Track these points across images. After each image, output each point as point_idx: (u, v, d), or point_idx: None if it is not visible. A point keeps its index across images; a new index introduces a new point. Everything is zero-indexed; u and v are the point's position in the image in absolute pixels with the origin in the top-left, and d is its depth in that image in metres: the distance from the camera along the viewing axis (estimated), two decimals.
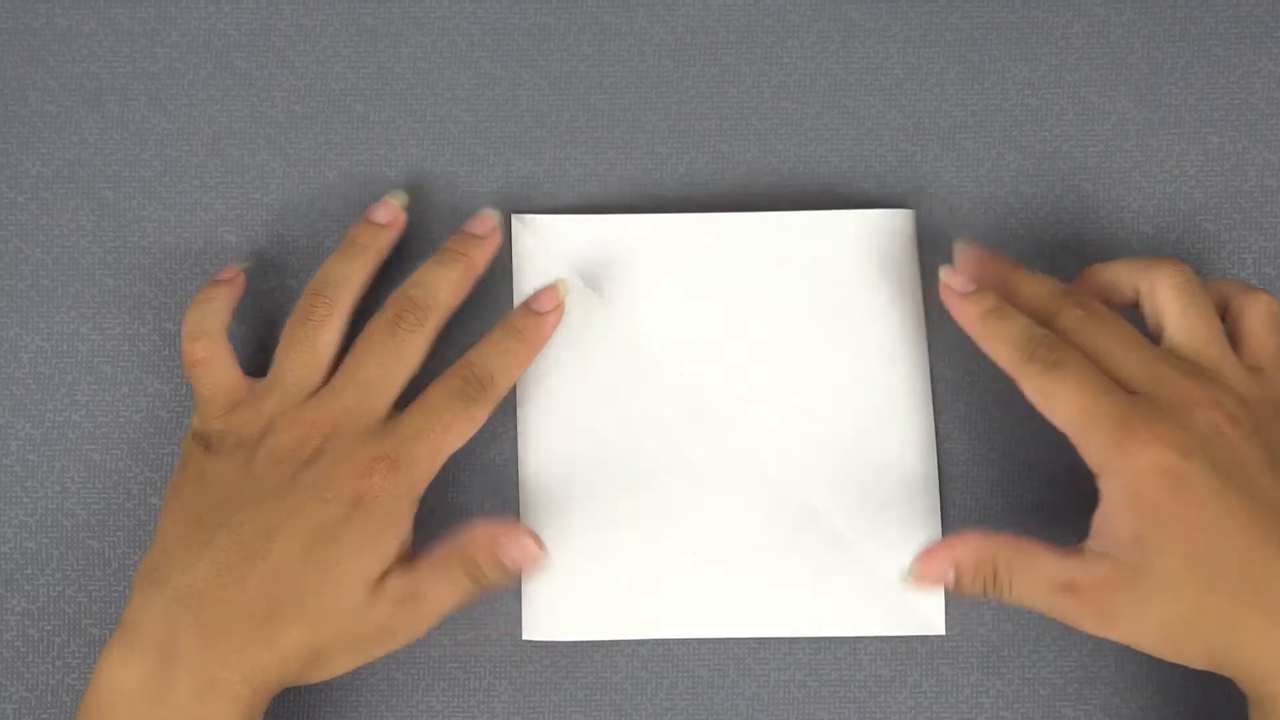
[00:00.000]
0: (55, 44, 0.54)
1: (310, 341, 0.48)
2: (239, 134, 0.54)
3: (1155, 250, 0.53)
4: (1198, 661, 0.44)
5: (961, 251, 0.49)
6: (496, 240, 0.51)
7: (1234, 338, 0.47)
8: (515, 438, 0.52)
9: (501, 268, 0.53)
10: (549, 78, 0.54)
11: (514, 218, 0.53)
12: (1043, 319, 0.47)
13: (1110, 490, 0.44)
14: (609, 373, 0.52)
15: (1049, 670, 0.52)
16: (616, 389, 0.52)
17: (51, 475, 0.53)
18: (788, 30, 0.54)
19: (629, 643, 0.52)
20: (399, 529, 0.46)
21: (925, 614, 0.51)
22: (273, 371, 0.48)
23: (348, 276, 0.49)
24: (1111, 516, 0.44)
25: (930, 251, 0.53)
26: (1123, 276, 0.48)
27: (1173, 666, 0.52)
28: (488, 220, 0.51)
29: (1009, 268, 0.48)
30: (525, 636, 0.51)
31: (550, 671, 0.52)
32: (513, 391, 0.52)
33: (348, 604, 0.45)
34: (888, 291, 0.52)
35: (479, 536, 0.47)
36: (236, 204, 0.54)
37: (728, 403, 0.52)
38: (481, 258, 0.50)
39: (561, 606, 0.51)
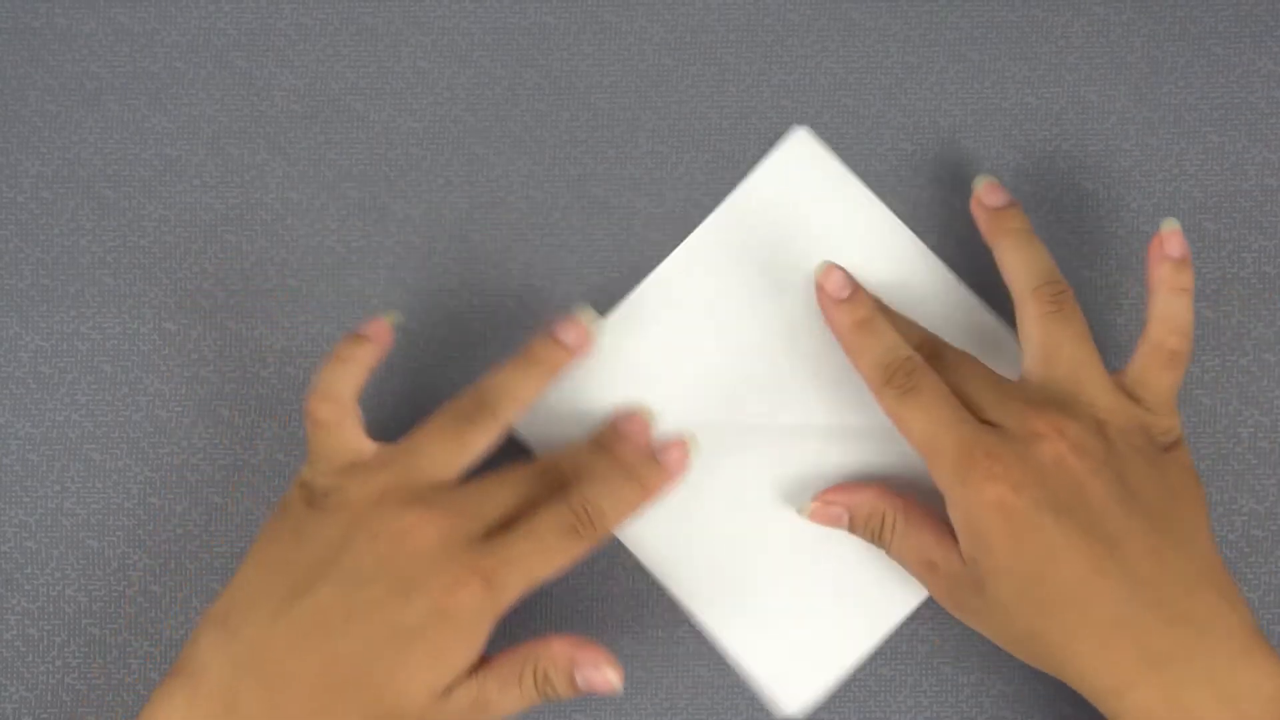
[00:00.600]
0: (55, 43, 0.54)
1: (460, 441, 0.47)
2: (239, 133, 0.54)
3: None
4: (1043, 669, 0.45)
5: (828, 273, 0.49)
6: (587, 348, 0.49)
7: (1132, 364, 0.48)
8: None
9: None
10: (549, 77, 0.54)
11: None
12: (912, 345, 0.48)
13: (953, 516, 0.45)
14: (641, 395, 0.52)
15: None
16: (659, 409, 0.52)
17: (51, 475, 0.53)
18: (787, 29, 0.54)
19: (629, 642, 0.52)
20: (475, 646, 0.45)
21: None
22: (406, 447, 0.47)
23: (516, 392, 0.48)
24: (959, 533, 0.45)
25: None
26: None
27: None
28: (579, 327, 0.49)
29: (868, 312, 0.48)
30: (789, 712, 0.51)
31: None
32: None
33: (409, 708, 0.44)
34: (845, 213, 0.52)
35: (557, 654, 0.46)
36: (236, 203, 0.54)
37: (755, 404, 0.52)
38: (566, 363, 0.49)
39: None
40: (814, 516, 0.50)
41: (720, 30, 0.54)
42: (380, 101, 0.54)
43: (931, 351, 0.48)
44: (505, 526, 0.46)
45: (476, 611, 0.44)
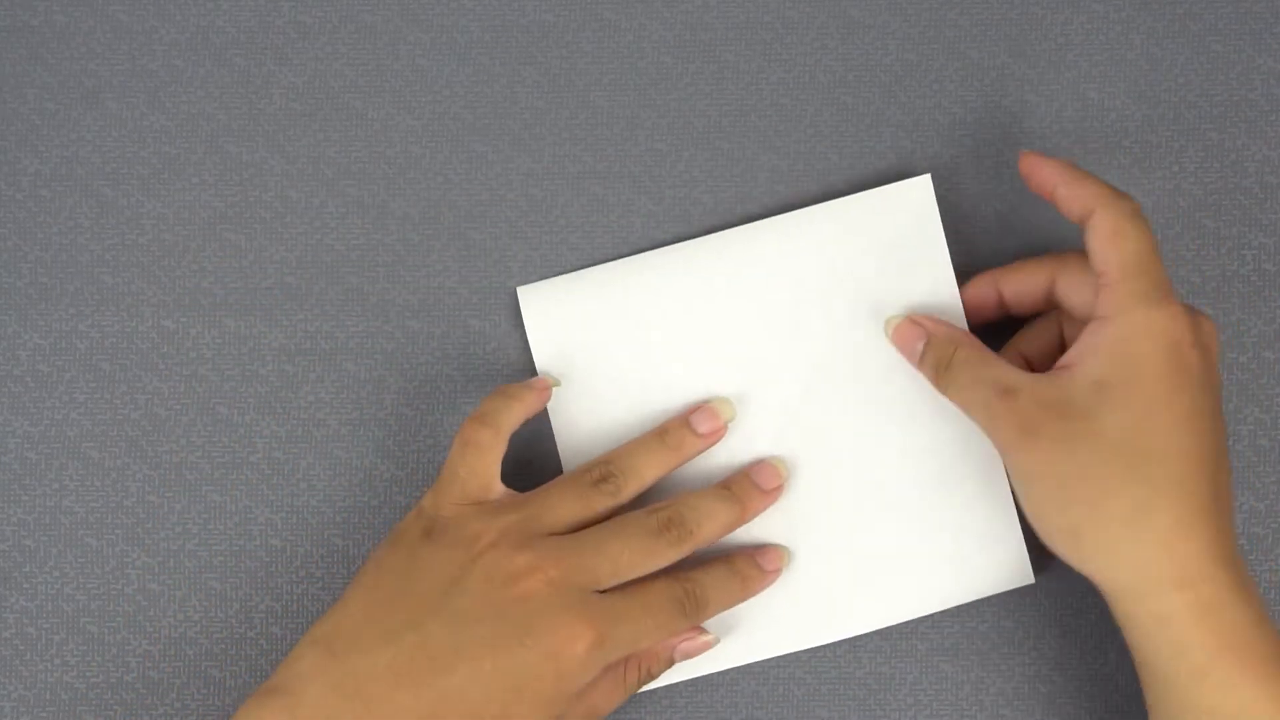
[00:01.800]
0: (54, 41, 0.54)
1: (585, 504, 0.48)
2: (238, 131, 0.54)
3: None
4: (1060, 541, 0.45)
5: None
6: (720, 436, 0.51)
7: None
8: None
9: (518, 340, 0.53)
10: (548, 75, 0.54)
11: (519, 291, 0.52)
12: None
13: (1103, 334, 0.45)
14: (659, 402, 0.52)
15: (1049, 669, 0.52)
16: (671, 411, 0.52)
17: (50, 473, 0.53)
18: (787, 27, 0.54)
19: None
20: (569, 699, 0.46)
21: (1011, 567, 0.51)
22: (533, 497, 0.48)
23: (643, 472, 0.49)
24: (1088, 355, 0.45)
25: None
26: (1037, 272, 0.49)
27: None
28: (716, 419, 0.51)
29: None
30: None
31: None
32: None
33: None
34: (918, 267, 0.52)
35: (659, 650, 0.48)
36: (235, 201, 0.54)
37: (779, 410, 0.51)
38: (696, 451, 0.50)
39: None
40: (896, 332, 0.50)
41: (720, 28, 0.54)
42: (379, 99, 0.54)
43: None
44: (618, 587, 0.47)
45: (585, 663, 0.45)
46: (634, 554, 0.47)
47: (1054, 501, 0.45)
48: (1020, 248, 0.53)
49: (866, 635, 0.51)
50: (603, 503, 0.48)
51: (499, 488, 0.48)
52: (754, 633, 0.51)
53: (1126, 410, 0.44)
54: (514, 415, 0.49)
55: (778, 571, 0.50)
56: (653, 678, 0.49)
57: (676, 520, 0.48)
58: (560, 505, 0.47)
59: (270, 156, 0.54)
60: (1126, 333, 0.44)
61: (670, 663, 0.49)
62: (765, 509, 0.51)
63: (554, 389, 0.51)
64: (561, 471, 0.52)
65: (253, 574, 0.52)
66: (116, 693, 0.52)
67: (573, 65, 0.54)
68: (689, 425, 0.50)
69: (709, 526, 0.49)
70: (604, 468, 0.48)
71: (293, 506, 0.53)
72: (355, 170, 0.54)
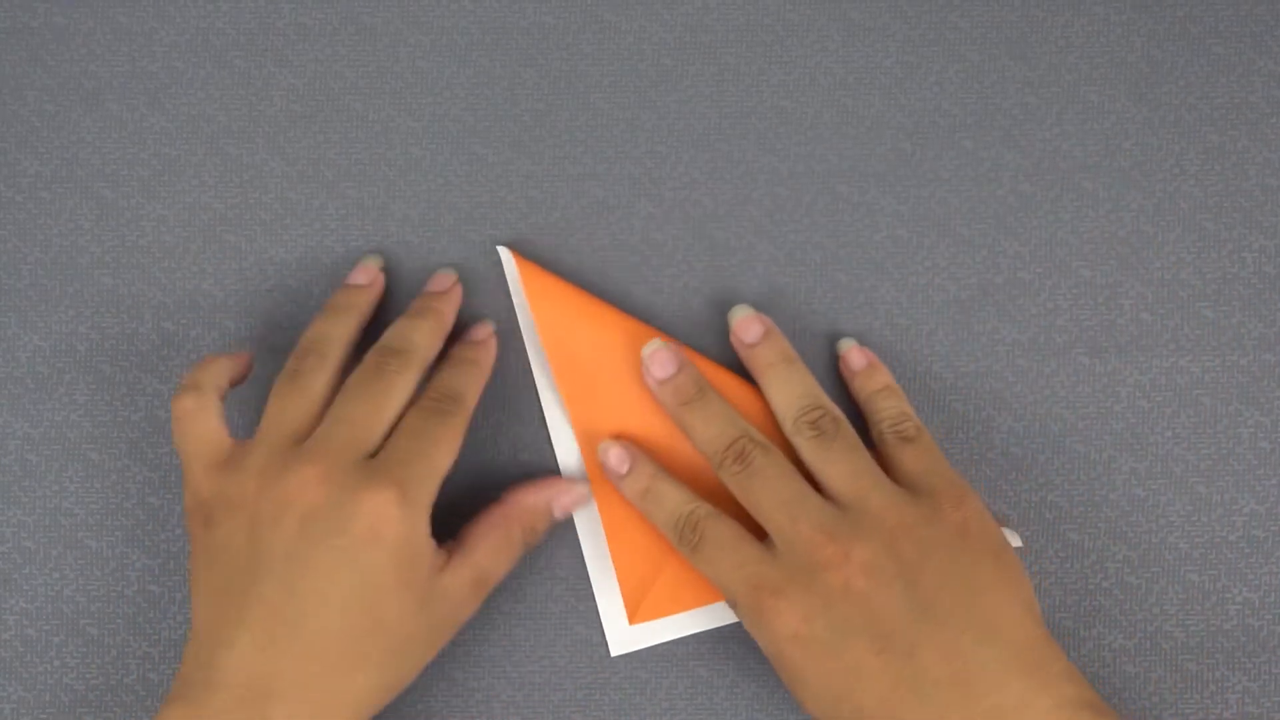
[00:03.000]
0: (54, 43, 0.54)
1: (301, 389, 0.48)
2: (238, 133, 0.54)
3: (1156, 246, 0.53)
4: None
5: (653, 354, 0.50)
6: (458, 293, 0.52)
7: (888, 464, 0.49)
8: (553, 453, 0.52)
9: (517, 341, 0.53)
10: (548, 77, 0.54)
11: (500, 249, 0.53)
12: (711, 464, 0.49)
13: (765, 653, 0.47)
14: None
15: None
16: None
17: (50, 475, 0.53)
18: (787, 29, 0.54)
19: None
20: (422, 552, 0.46)
21: None
22: (261, 427, 0.48)
23: (331, 334, 0.49)
24: (776, 670, 0.47)
25: (926, 259, 0.53)
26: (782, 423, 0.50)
27: (1171, 669, 0.52)
28: (446, 279, 0.52)
29: (695, 392, 0.50)
30: (614, 654, 0.52)
31: (550, 672, 0.52)
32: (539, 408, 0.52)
33: (410, 628, 0.45)
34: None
35: (537, 507, 0.50)
36: (235, 203, 0.54)
37: None
38: (449, 310, 0.51)
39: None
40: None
41: (720, 30, 0.54)
42: (379, 101, 0.54)
43: (739, 454, 0.48)
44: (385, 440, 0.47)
45: (404, 518, 0.45)
46: (372, 403, 0.47)
47: None
48: (1021, 250, 0.53)
49: None
50: (315, 380, 0.48)
51: (229, 442, 0.48)
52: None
53: (813, 699, 0.46)
54: (212, 375, 0.49)
55: (491, 334, 0.52)
56: (539, 534, 0.50)
57: (385, 352, 0.48)
58: (285, 412, 0.47)
59: (270, 158, 0.54)
60: (764, 646, 0.47)
61: (550, 516, 0.50)
62: (453, 309, 0.51)
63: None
64: (556, 461, 0.52)
65: None
66: (116, 694, 0.52)
67: (573, 67, 0.54)
68: (345, 284, 0.51)
69: (415, 337, 0.49)
70: (298, 355, 0.49)
71: None
72: (355, 172, 0.54)
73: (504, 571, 0.49)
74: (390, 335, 0.49)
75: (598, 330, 0.51)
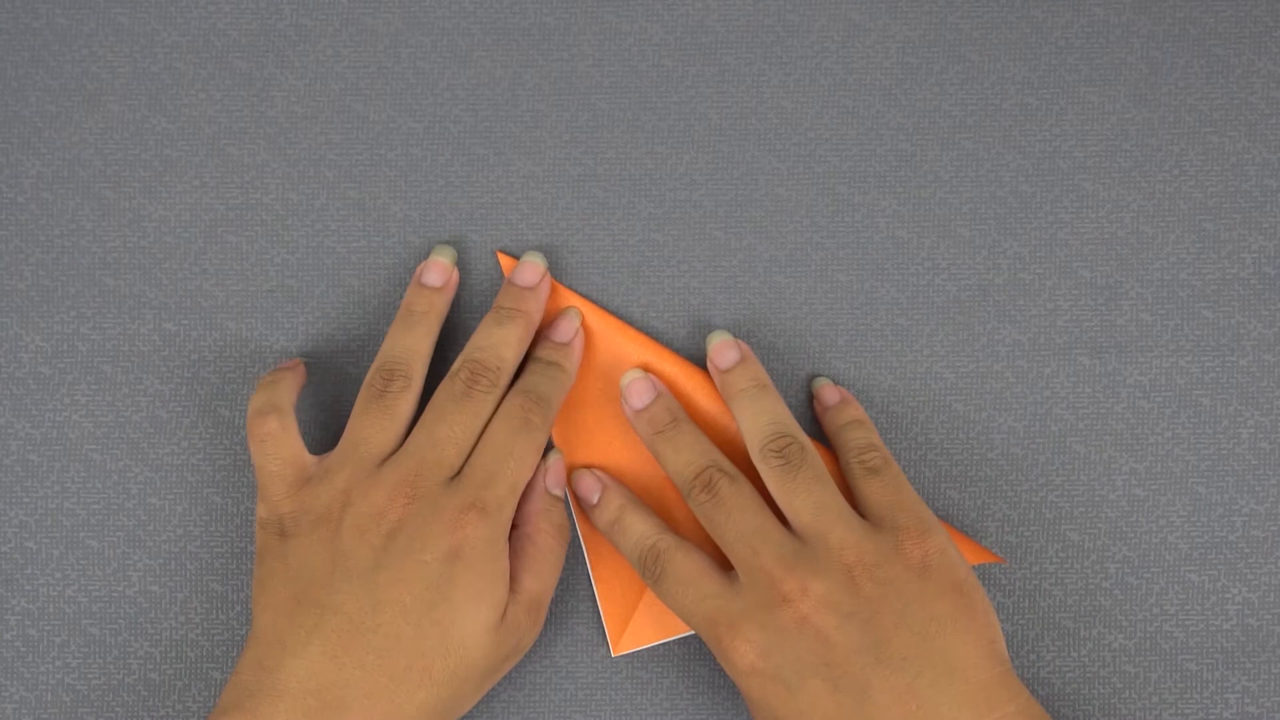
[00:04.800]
0: (56, 44, 0.54)
1: (388, 411, 0.48)
2: (239, 134, 0.54)
3: (1156, 246, 0.53)
4: None
5: (631, 384, 0.51)
6: (547, 285, 0.51)
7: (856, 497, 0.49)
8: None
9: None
10: (549, 77, 0.54)
11: (499, 255, 0.53)
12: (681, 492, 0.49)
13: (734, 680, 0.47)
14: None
15: (1048, 670, 0.52)
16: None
17: (51, 475, 0.53)
18: (787, 30, 0.54)
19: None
20: (501, 570, 0.47)
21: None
22: (345, 444, 0.48)
23: (415, 348, 0.49)
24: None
25: (926, 259, 0.53)
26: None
27: (1171, 669, 0.52)
28: (535, 269, 0.51)
29: (668, 421, 0.50)
30: (615, 654, 0.52)
31: (550, 672, 0.52)
32: None
33: (478, 654, 0.46)
34: None
35: (532, 507, 0.49)
36: (236, 204, 0.54)
37: None
38: (538, 309, 0.51)
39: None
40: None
41: (720, 30, 0.54)
42: (380, 102, 0.54)
43: (707, 483, 0.48)
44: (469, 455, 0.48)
45: (487, 539, 0.46)
46: (460, 426, 0.48)
47: None
48: (1021, 250, 0.53)
49: None
50: (402, 401, 0.48)
51: (311, 459, 0.48)
52: None
53: None
54: (286, 393, 0.49)
55: (577, 332, 0.51)
56: (563, 527, 0.50)
57: (477, 369, 0.48)
58: (369, 429, 0.48)
59: (271, 159, 0.54)
60: (730, 675, 0.47)
61: (558, 502, 0.50)
62: (542, 306, 0.51)
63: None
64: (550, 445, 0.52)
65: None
66: (118, 694, 0.52)
67: (573, 68, 0.54)
68: (420, 284, 0.51)
69: (506, 352, 0.49)
70: (380, 372, 0.49)
71: None
72: (356, 173, 0.54)
73: (551, 586, 0.49)
74: (480, 348, 0.49)
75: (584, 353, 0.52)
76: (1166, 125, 0.54)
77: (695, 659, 0.52)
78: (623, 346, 0.52)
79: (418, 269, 0.51)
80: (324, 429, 0.53)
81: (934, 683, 0.44)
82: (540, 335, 0.52)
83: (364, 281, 0.53)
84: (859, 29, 0.54)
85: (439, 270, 0.51)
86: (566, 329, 0.51)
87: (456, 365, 0.49)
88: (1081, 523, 0.52)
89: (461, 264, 0.53)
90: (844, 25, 0.54)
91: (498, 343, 0.49)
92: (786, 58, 0.54)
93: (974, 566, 0.51)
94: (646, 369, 0.52)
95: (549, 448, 0.52)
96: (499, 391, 0.49)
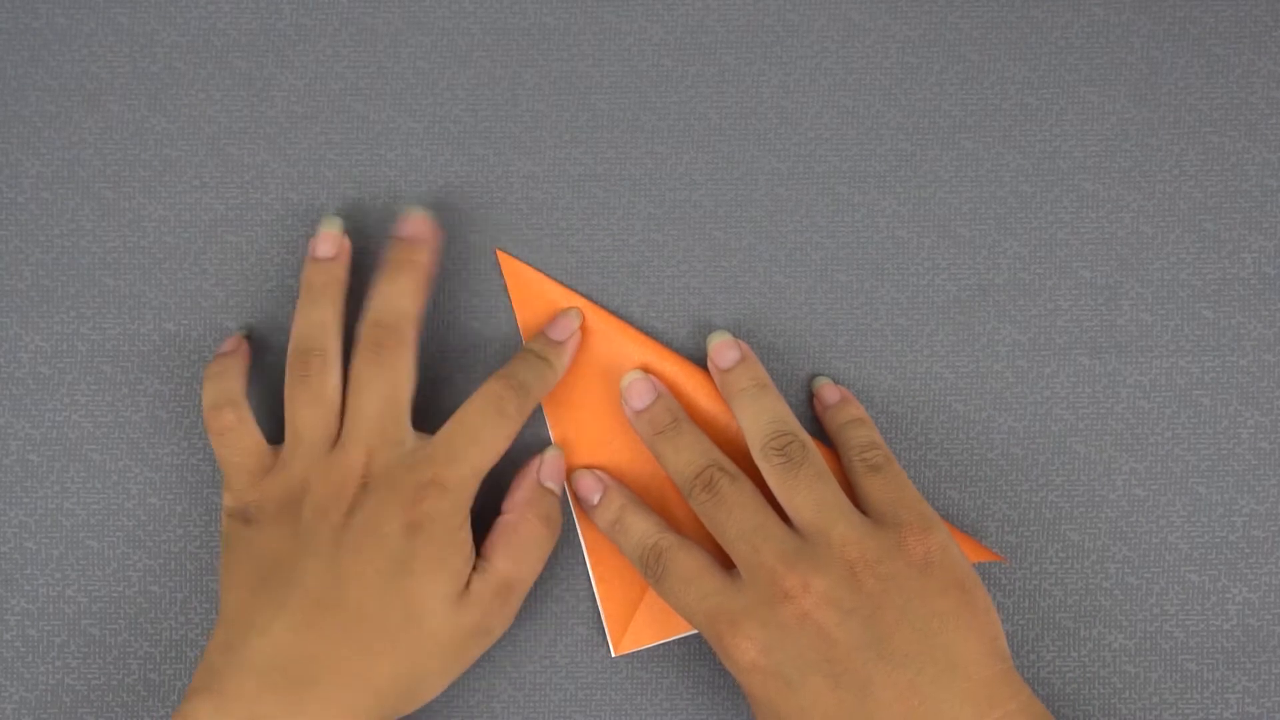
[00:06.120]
0: (55, 44, 0.54)
1: (316, 394, 0.48)
2: (239, 134, 0.54)
3: (1156, 246, 0.53)
4: None
5: (631, 385, 0.51)
6: (436, 237, 0.51)
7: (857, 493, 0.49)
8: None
9: (516, 343, 0.53)
10: (549, 77, 0.54)
11: (498, 254, 0.53)
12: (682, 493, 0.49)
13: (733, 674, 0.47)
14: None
15: (1048, 670, 0.52)
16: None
17: (51, 475, 0.53)
18: (787, 30, 0.54)
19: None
20: (463, 543, 0.47)
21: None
22: (290, 435, 0.48)
23: (323, 322, 0.49)
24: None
25: (926, 259, 0.53)
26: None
27: (1171, 669, 0.52)
28: (420, 221, 0.51)
29: (668, 421, 0.50)
30: (616, 654, 0.52)
31: (550, 672, 0.52)
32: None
33: (438, 624, 0.46)
34: None
35: (522, 496, 0.50)
36: (236, 204, 0.54)
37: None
38: (428, 259, 0.51)
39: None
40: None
41: (720, 30, 0.54)
42: (380, 102, 0.54)
43: (707, 482, 0.48)
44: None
45: (446, 512, 0.46)
46: (383, 393, 0.48)
47: None
48: (1021, 250, 0.53)
49: None
50: (326, 380, 0.48)
51: (269, 449, 0.49)
52: None
53: None
54: (235, 381, 0.49)
55: (575, 333, 0.51)
56: (554, 520, 0.50)
57: (380, 332, 0.48)
58: (306, 418, 0.48)
59: (271, 159, 0.54)
60: (732, 673, 0.47)
61: (551, 495, 0.50)
62: (434, 253, 0.51)
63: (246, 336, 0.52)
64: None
65: None
66: (117, 695, 0.52)
67: (573, 68, 0.54)
68: (314, 258, 0.50)
69: (402, 303, 0.49)
70: (297, 355, 0.49)
71: None
72: (356, 173, 0.54)
73: (529, 575, 0.49)
74: (377, 306, 0.49)
75: (581, 352, 0.52)
76: (1166, 125, 0.54)
77: (695, 659, 0.52)
78: (623, 347, 0.52)
79: (310, 244, 0.51)
80: None
81: (936, 679, 0.44)
82: (538, 330, 0.52)
83: (364, 281, 0.53)
84: (859, 29, 0.54)
85: (330, 241, 0.51)
86: (564, 328, 0.51)
87: (359, 331, 0.49)
88: (1081, 523, 0.52)
89: (461, 263, 0.53)
90: (844, 25, 0.54)
91: (393, 297, 0.49)
92: (786, 58, 0.54)
93: (974, 565, 0.51)
94: (647, 369, 0.52)
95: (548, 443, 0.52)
96: (408, 346, 0.49)
